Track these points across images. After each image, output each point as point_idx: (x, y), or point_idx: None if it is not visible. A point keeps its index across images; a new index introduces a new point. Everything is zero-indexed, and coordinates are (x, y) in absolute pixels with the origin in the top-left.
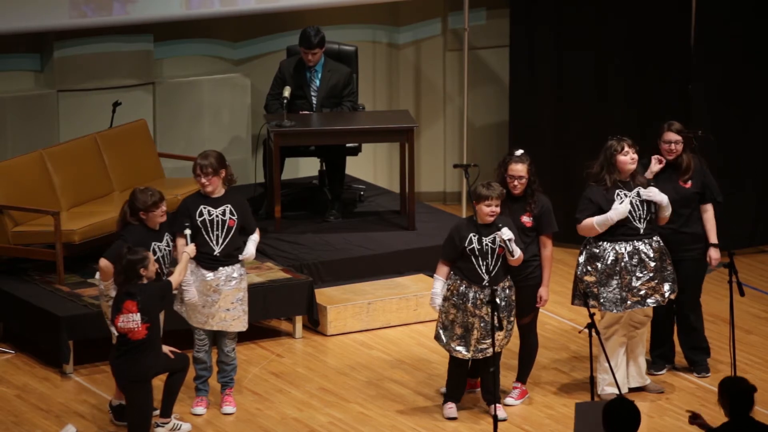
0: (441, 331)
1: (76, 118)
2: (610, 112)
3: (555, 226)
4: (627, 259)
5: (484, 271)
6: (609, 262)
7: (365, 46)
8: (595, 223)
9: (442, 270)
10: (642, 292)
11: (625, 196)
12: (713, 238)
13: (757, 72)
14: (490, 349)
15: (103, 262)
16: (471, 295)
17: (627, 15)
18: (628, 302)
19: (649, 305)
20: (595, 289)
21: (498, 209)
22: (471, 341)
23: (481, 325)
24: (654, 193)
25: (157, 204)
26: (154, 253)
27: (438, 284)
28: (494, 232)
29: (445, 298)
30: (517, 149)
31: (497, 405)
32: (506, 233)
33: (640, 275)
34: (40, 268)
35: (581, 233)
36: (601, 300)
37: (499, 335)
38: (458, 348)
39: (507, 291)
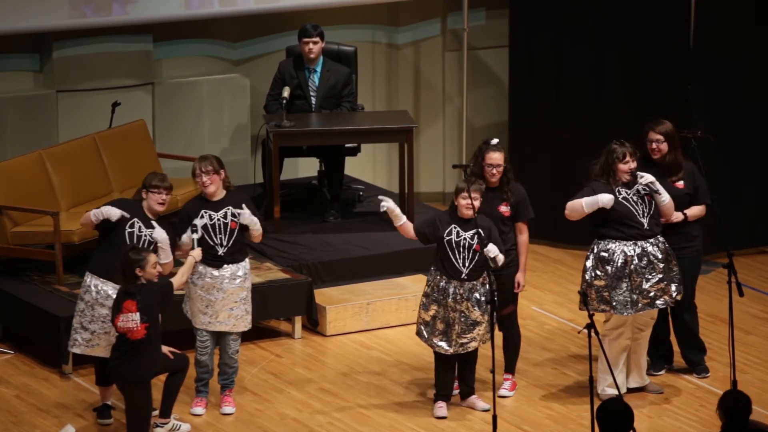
0: (422, 327)
1: (75, 118)
2: (610, 113)
3: (531, 213)
4: (636, 261)
5: (461, 264)
6: (619, 264)
7: (364, 47)
8: (584, 203)
9: (409, 224)
10: (651, 294)
11: (627, 194)
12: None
13: (756, 72)
14: (473, 344)
15: (85, 214)
16: (451, 290)
17: (627, 15)
18: (639, 305)
19: (658, 306)
20: (606, 294)
21: (476, 203)
22: (452, 336)
23: (462, 319)
24: (647, 176)
25: (159, 188)
26: (131, 227)
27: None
28: (472, 228)
29: (426, 294)
30: (492, 138)
31: (475, 396)
32: (492, 250)
33: (650, 277)
34: (40, 269)
35: (567, 213)
36: (614, 303)
37: (480, 330)
38: (440, 343)
39: (485, 287)
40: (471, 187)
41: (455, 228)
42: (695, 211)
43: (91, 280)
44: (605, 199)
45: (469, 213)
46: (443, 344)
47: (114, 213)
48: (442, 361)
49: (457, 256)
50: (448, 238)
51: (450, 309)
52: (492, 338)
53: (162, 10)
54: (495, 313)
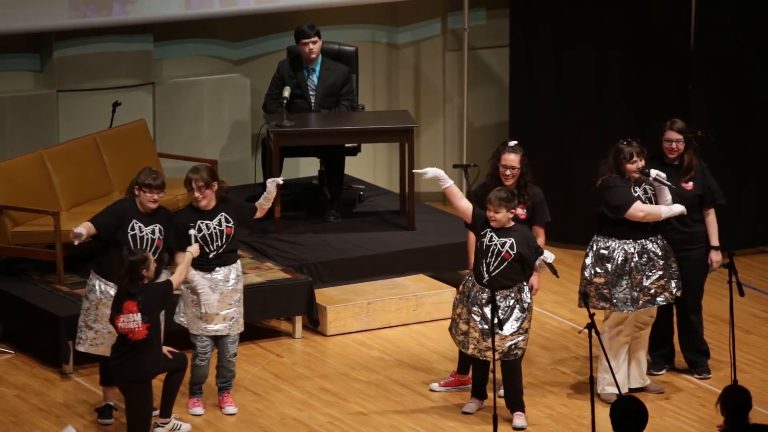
0: (452, 323)
1: (75, 118)
2: (610, 113)
3: (548, 216)
4: (636, 258)
5: (485, 269)
6: (619, 262)
7: (365, 47)
8: (662, 213)
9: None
10: (652, 291)
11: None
12: (715, 240)
13: (756, 73)
14: (490, 353)
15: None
16: (473, 293)
17: (626, 15)
18: (640, 302)
19: (659, 303)
20: (606, 291)
21: (499, 215)
22: (470, 339)
23: (479, 326)
24: (660, 173)
25: (152, 188)
26: (132, 229)
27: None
28: (505, 236)
29: (459, 292)
30: (510, 140)
31: (516, 413)
32: (549, 256)
33: (650, 274)
34: (40, 269)
35: (630, 216)
36: (614, 300)
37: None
38: (461, 343)
39: (509, 301)
40: (492, 200)
41: (490, 231)
42: (712, 217)
43: (97, 282)
44: (679, 208)
45: (494, 224)
46: (463, 345)
47: (83, 231)
48: (474, 362)
49: (484, 260)
50: (482, 239)
51: (468, 311)
52: (492, 340)
53: (162, 10)
54: (495, 315)
